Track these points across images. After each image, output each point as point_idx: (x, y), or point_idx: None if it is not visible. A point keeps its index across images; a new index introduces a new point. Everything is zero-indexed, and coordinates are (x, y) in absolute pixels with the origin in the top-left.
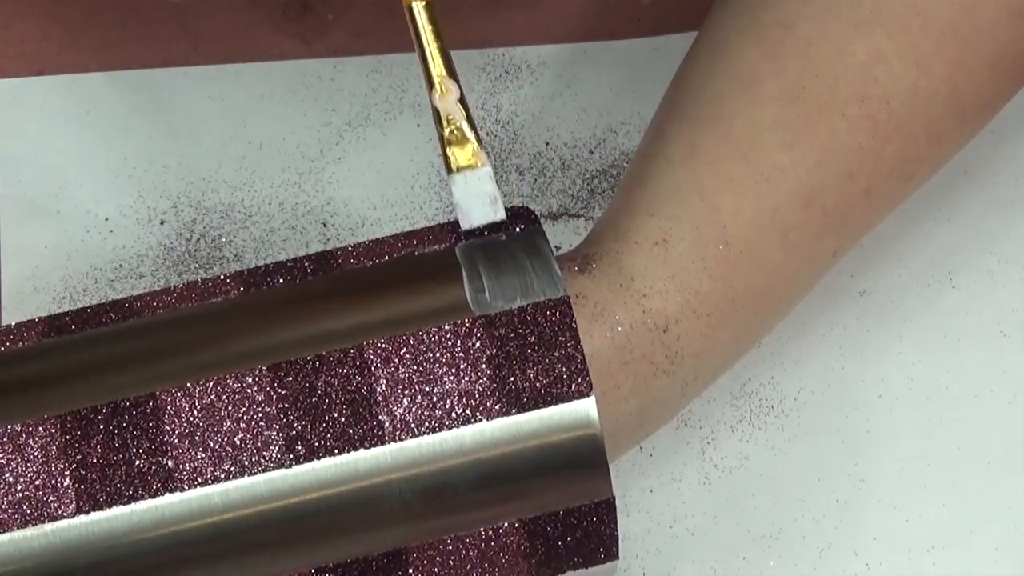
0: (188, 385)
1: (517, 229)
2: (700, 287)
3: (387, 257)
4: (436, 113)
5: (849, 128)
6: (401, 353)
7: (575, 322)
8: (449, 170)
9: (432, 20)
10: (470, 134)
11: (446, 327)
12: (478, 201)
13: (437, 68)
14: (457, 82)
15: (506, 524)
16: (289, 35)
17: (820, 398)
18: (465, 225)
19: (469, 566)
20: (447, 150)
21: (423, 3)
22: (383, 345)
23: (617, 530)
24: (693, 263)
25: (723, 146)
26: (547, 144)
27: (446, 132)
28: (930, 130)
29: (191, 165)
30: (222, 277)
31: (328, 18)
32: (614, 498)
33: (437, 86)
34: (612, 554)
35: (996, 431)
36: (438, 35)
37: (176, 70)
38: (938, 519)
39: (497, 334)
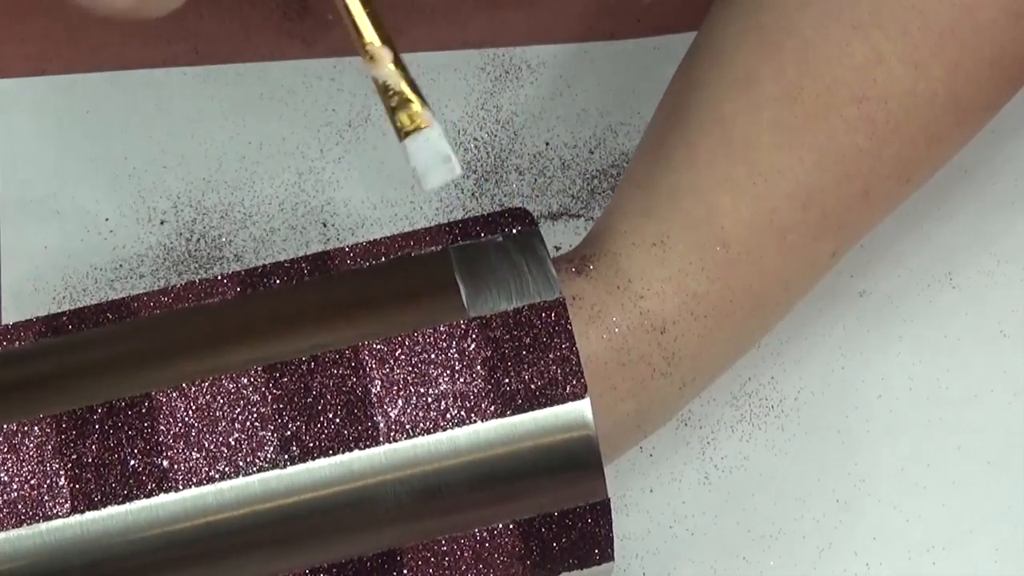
0: (184, 385)
1: (514, 231)
2: (698, 288)
3: (383, 258)
4: (375, 83)
5: (847, 129)
6: (396, 354)
7: (570, 324)
8: (400, 137)
9: None
10: (412, 95)
11: (441, 328)
12: (433, 163)
13: (367, 35)
14: (392, 46)
15: (501, 525)
16: (289, 35)
17: (820, 398)
18: (426, 187)
19: (463, 567)
20: (393, 117)
21: None
22: (378, 346)
23: (612, 532)
24: (691, 264)
25: (721, 147)
26: (547, 144)
27: (389, 100)
28: (929, 131)
29: (191, 165)
30: (219, 278)
31: (328, 18)
32: (609, 500)
33: (368, 54)
34: (607, 555)
35: (996, 431)
36: (366, 1)
37: (176, 70)
38: (938, 519)
39: (492, 336)
